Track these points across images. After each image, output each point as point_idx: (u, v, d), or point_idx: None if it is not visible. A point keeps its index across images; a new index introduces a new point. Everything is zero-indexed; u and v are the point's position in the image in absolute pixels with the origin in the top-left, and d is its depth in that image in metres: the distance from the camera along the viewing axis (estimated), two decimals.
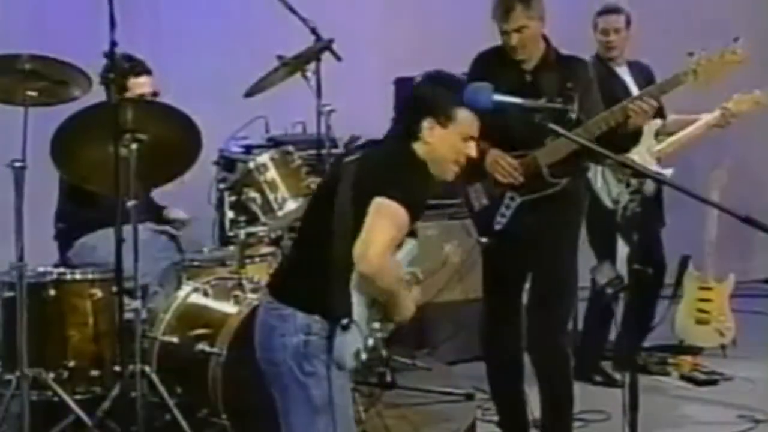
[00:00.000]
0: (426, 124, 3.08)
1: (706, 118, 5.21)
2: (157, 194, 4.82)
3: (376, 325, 3.07)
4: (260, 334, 3.09)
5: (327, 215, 3.02)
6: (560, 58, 4.17)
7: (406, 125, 3.13)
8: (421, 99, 3.16)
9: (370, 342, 3.03)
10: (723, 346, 5.57)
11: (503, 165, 4.02)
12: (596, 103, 4.12)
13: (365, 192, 2.96)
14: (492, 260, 4.23)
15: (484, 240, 4.15)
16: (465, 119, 3.11)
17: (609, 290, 3.21)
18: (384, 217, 2.92)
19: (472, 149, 3.15)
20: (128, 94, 4.31)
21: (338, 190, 3.03)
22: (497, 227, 4.11)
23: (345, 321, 2.95)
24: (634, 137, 4.43)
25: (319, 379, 2.98)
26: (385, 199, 2.93)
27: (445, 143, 3.09)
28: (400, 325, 3.16)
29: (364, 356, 3.02)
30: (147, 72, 4.54)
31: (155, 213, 4.79)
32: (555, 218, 4.11)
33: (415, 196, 2.99)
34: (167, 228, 4.72)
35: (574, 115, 3.94)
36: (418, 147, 3.09)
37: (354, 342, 2.99)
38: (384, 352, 3.11)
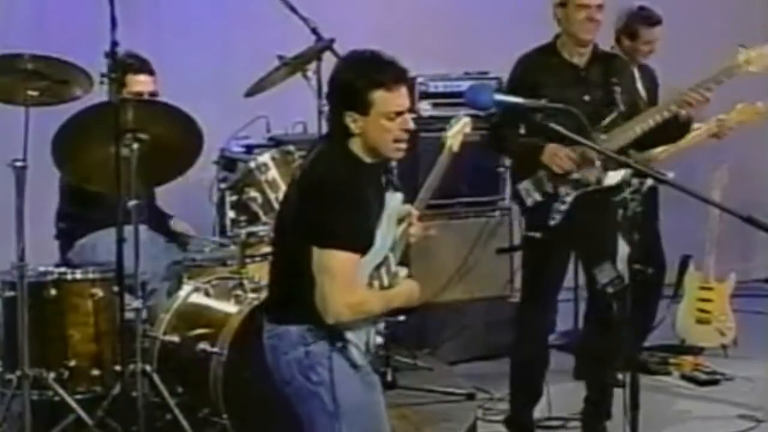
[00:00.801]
0: (348, 118, 2.98)
1: (704, 127, 5.19)
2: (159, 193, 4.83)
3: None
4: (269, 359, 3.10)
5: (284, 236, 3.03)
6: (604, 54, 4.28)
7: (333, 125, 3.06)
8: (335, 93, 3.03)
9: (380, 326, 3.05)
10: (724, 346, 5.56)
11: (561, 156, 4.06)
12: (637, 99, 4.25)
13: (303, 233, 2.94)
14: (541, 256, 4.24)
15: (537, 235, 4.15)
16: (383, 99, 2.96)
17: (610, 290, 3.21)
18: (326, 271, 2.90)
19: (406, 122, 3.01)
20: (125, 90, 4.30)
21: (289, 215, 3.02)
22: (552, 222, 4.14)
23: (339, 344, 2.98)
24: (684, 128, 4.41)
25: (327, 385, 2.99)
26: (322, 250, 2.90)
27: (374, 129, 2.97)
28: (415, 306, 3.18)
29: (378, 340, 3.07)
30: (147, 72, 4.53)
31: (159, 222, 4.77)
32: (609, 212, 4.14)
33: (351, 227, 2.92)
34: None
35: (623, 107, 4.09)
36: (353, 143, 3.00)
37: (357, 344, 3.01)
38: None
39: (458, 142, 3.67)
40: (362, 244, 2.96)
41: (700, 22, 6.59)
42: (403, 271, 3.15)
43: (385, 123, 2.97)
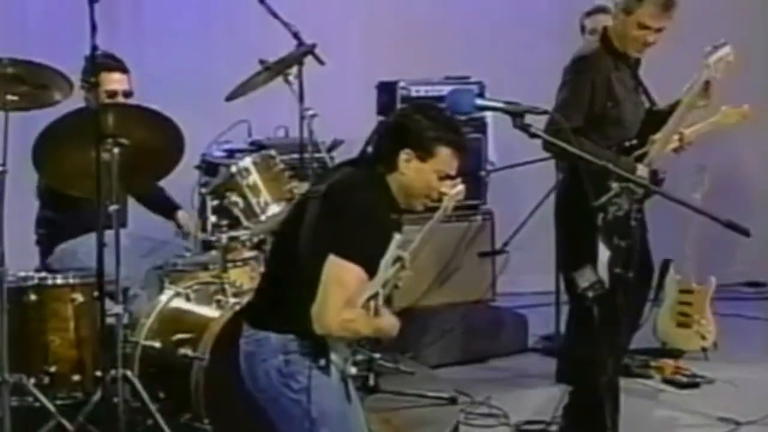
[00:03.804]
0: (404, 155, 3.04)
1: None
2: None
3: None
4: (244, 364, 3.10)
5: (292, 248, 3.03)
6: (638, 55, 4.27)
7: (382, 153, 3.08)
8: (403, 129, 3.08)
9: (357, 356, 3.05)
10: (704, 349, 5.59)
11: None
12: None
13: (325, 240, 2.94)
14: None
15: (623, 243, 4.09)
16: (444, 157, 3.06)
17: (590, 294, 3.22)
18: (338, 280, 2.91)
19: (445, 186, 3.12)
20: (101, 90, 4.29)
21: (303, 228, 3.02)
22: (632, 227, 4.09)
23: (323, 362, 2.98)
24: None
25: (309, 392, 2.99)
26: (340, 260, 2.90)
27: (421, 177, 3.06)
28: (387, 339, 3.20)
29: (352, 370, 3.08)
30: (121, 70, 4.52)
31: (167, 209, 4.76)
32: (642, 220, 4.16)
33: (373, 249, 2.96)
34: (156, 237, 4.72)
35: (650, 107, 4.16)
36: (393, 178, 3.06)
37: (337, 365, 3.04)
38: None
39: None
40: (373, 271, 2.99)
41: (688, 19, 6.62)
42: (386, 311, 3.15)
43: (432, 178, 3.07)
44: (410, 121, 3.08)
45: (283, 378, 3.00)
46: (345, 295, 2.91)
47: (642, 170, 4.05)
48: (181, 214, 4.85)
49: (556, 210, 4.39)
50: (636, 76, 4.23)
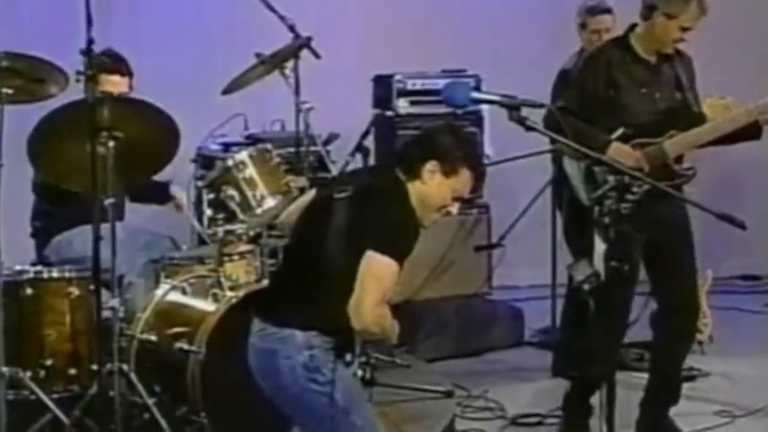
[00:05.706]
0: (429, 166, 3.13)
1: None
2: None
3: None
4: (261, 362, 3.12)
5: (317, 247, 3.08)
6: (672, 52, 4.26)
7: (408, 162, 3.17)
8: (434, 141, 3.19)
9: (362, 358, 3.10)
10: (700, 342, 5.59)
11: (623, 154, 4.03)
12: (697, 97, 4.28)
13: (360, 237, 3.02)
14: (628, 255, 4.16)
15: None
16: (465, 179, 3.17)
17: (586, 287, 3.22)
18: (376, 275, 2.99)
19: (454, 208, 3.21)
20: (98, 89, 4.29)
21: (330, 228, 3.07)
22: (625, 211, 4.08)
23: (348, 357, 3.08)
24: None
25: (335, 383, 3.05)
26: (378, 255, 2.99)
27: (439, 192, 3.15)
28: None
29: (359, 372, 3.13)
30: (120, 72, 4.51)
31: (159, 193, 4.76)
32: (676, 216, 4.19)
33: (407, 246, 3.05)
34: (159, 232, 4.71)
35: (696, 109, 4.17)
36: (413, 186, 3.14)
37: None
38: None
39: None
40: (403, 263, 3.06)
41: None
42: None
43: (448, 195, 3.17)
44: (442, 137, 3.20)
45: (309, 373, 3.04)
46: (382, 289, 2.99)
47: (615, 151, 4.02)
48: (173, 189, 4.81)
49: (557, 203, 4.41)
50: (658, 71, 4.21)
